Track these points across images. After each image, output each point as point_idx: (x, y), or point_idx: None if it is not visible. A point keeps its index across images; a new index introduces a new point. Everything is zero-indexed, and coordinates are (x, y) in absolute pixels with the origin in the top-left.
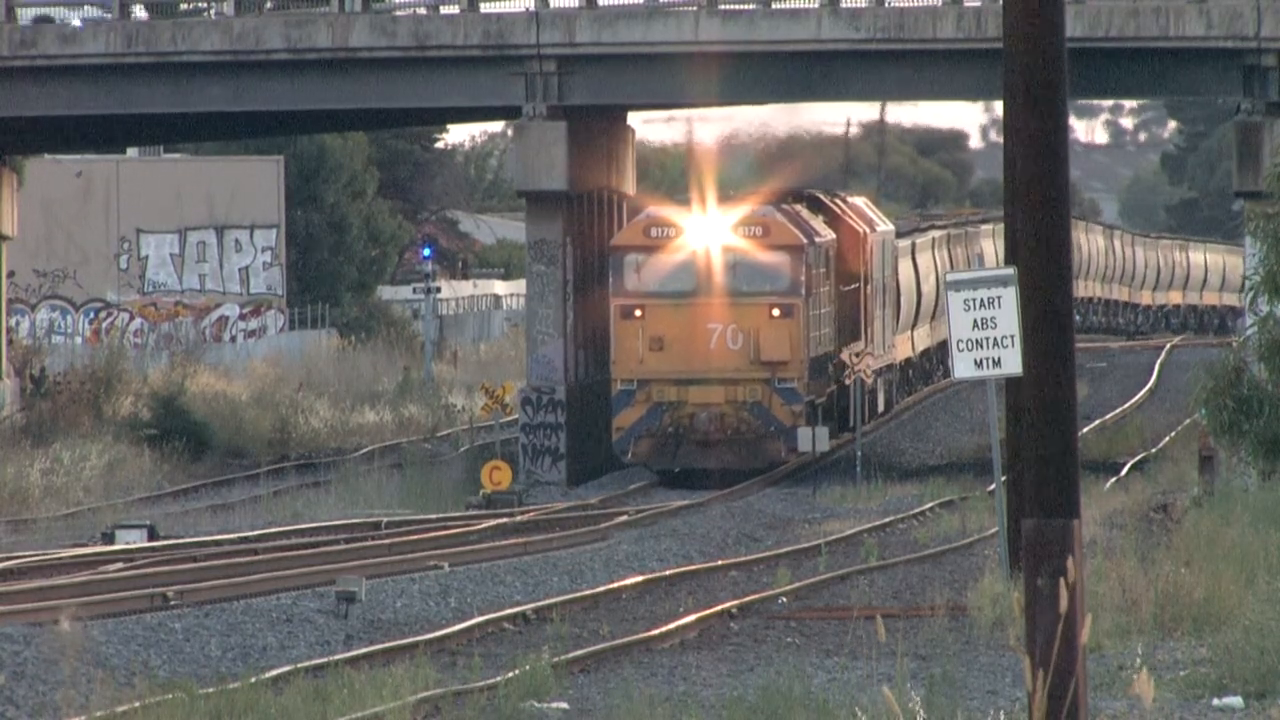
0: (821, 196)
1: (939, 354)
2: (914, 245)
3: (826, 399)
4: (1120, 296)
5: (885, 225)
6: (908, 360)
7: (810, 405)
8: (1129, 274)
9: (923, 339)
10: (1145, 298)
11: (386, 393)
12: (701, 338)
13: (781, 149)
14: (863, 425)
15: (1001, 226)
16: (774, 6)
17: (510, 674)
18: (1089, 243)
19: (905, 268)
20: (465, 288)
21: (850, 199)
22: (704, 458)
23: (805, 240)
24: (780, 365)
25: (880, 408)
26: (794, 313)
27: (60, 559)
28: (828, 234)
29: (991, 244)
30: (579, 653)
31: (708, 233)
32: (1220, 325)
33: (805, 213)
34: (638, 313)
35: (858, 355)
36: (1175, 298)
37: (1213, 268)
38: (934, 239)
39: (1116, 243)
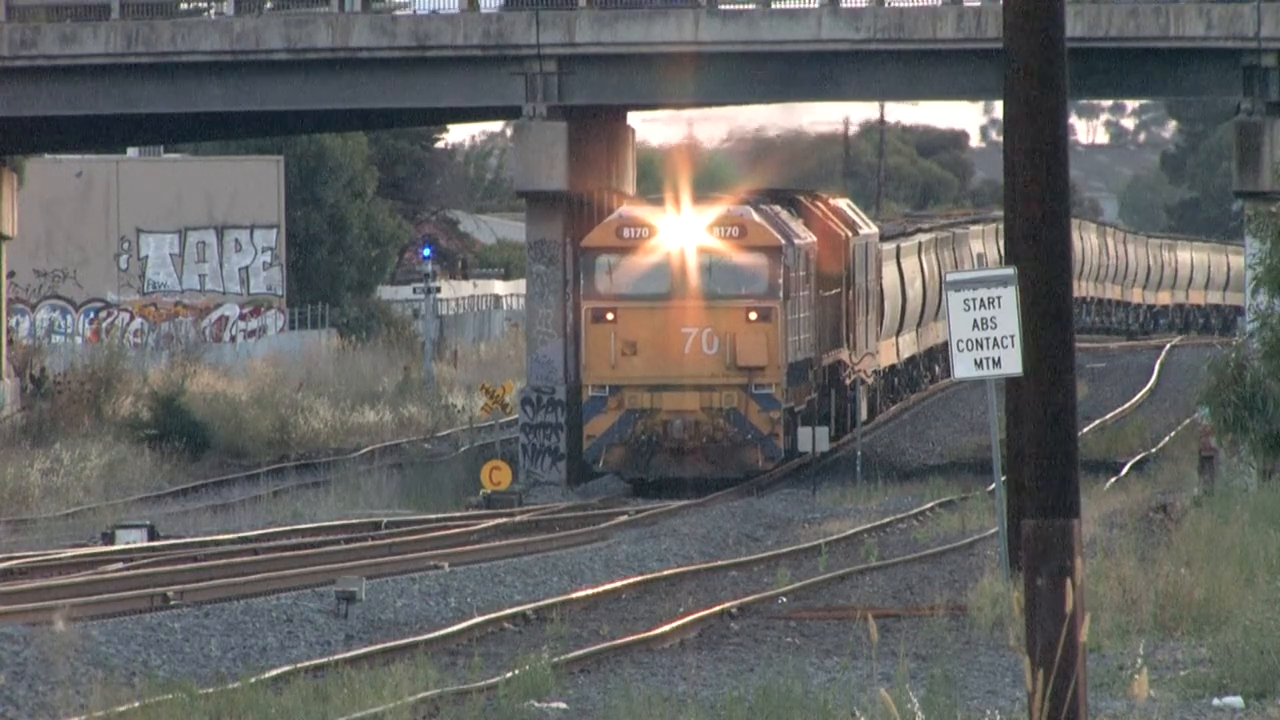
0: (801, 198)
1: (926, 361)
2: (899, 249)
3: (806, 406)
4: (1113, 295)
5: (869, 228)
6: (892, 367)
7: (789, 412)
8: (1121, 273)
9: (908, 346)
10: (1136, 296)
11: (386, 393)
12: (676, 342)
13: (777, 148)
14: (844, 435)
15: (991, 227)
16: (774, 6)
17: (510, 674)
18: (1082, 241)
19: (890, 272)
20: (465, 288)
21: (832, 201)
22: (678, 466)
23: (783, 241)
24: (757, 371)
25: (863, 415)
26: (771, 316)
27: (60, 559)
28: (807, 236)
29: (981, 245)
30: (579, 653)
31: (682, 233)
32: (1204, 324)
33: (784, 214)
34: (610, 316)
35: (858, 356)
36: (1164, 297)
37: (1198, 266)
38: (920, 243)
39: (1110, 241)
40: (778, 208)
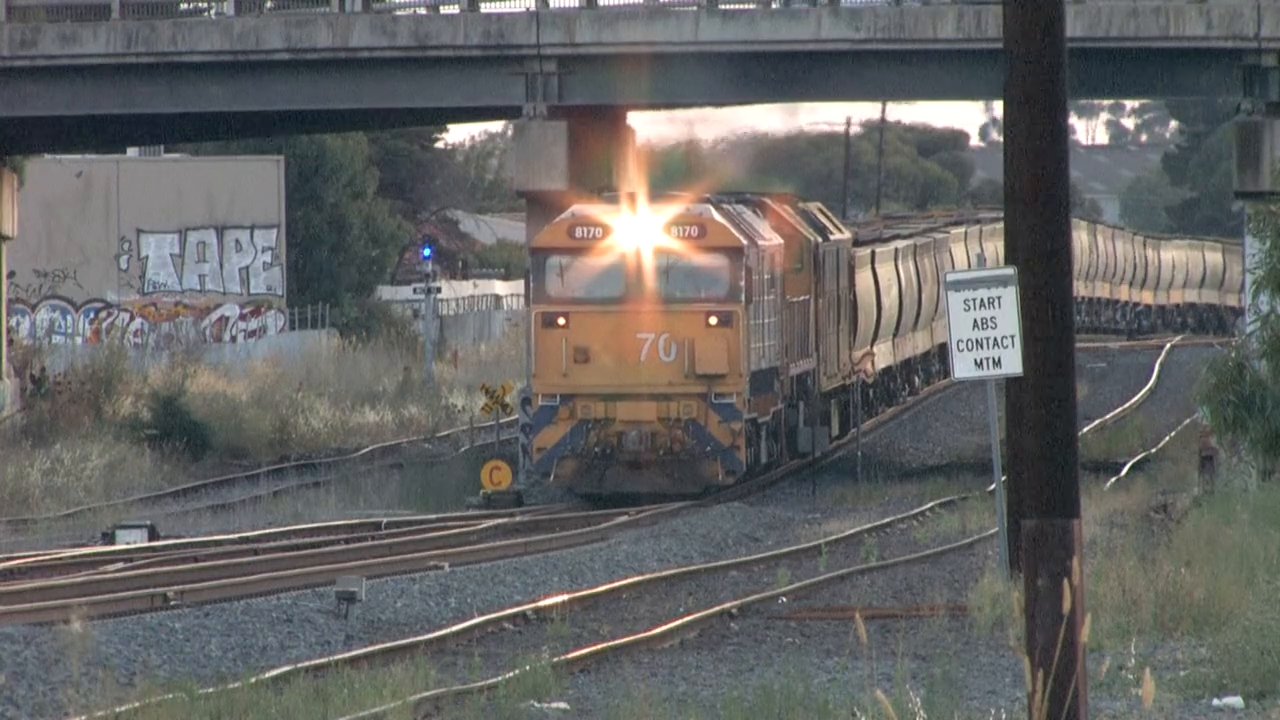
0: (768, 200)
1: (903, 372)
2: (874, 254)
3: (771, 418)
4: (1103, 294)
5: (841, 233)
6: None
7: (752, 424)
8: (1111, 271)
9: (884, 356)
10: (1124, 294)
11: (386, 393)
12: (631, 348)
13: (778, 149)
14: (812, 452)
15: (975, 229)
16: (774, 6)
17: (510, 674)
18: (1075, 239)
19: (864, 279)
20: (465, 288)
21: (801, 204)
22: (634, 480)
23: (745, 242)
24: (718, 379)
25: (835, 430)
26: (733, 321)
27: (60, 559)
28: (773, 238)
29: (964, 249)
30: (579, 653)
31: (638, 233)
32: (1182, 323)
33: (748, 215)
34: (561, 321)
35: (861, 355)
36: (1148, 297)
37: (1178, 265)
38: (896, 249)
39: (1100, 239)
40: (741, 208)
